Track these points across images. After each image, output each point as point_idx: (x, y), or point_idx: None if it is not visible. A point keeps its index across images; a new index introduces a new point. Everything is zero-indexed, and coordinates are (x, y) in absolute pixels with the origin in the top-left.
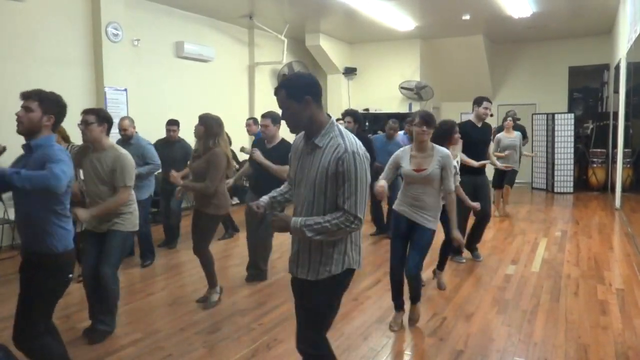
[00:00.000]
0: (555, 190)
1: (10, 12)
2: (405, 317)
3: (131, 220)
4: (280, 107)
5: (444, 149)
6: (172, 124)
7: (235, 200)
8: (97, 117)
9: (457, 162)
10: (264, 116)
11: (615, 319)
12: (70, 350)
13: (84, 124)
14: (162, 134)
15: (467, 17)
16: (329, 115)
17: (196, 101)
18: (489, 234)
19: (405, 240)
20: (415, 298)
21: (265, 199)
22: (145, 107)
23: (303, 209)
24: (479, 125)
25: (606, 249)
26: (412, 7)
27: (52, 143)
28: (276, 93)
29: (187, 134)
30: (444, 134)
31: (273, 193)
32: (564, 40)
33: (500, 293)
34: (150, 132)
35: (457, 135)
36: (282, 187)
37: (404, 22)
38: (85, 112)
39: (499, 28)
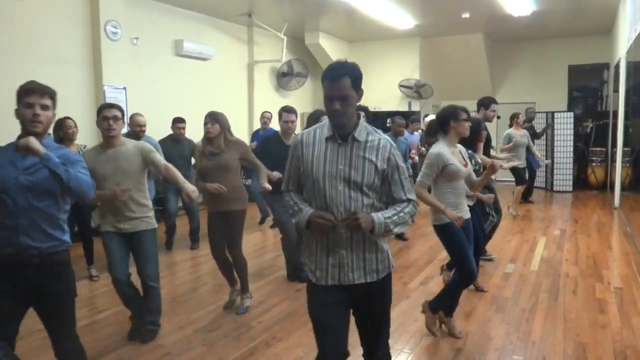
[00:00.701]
0: (555, 189)
1: (10, 10)
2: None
3: (152, 217)
4: (337, 96)
5: None
6: (181, 121)
7: None
8: (121, 112)
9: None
10: (288, 111)
11: (614, 318)
12: None
13: (114, 120)
14: (162, 132)
15: (466, 15)
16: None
17: (195, 99)
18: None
19: None
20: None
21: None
22: (145, 106)
23: (350, 204)
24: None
25: (605, 248)
26: (412, 6)
27: (57, 145)
28: (336, 79)
29: (188, 132)
30: (473, 132)
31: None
32: (564, 39)
33: (498, 291)
34: (150, 130)
35: (484, 132)
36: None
37: (404, 20)
38: (112, 107)
39: (499, 26)
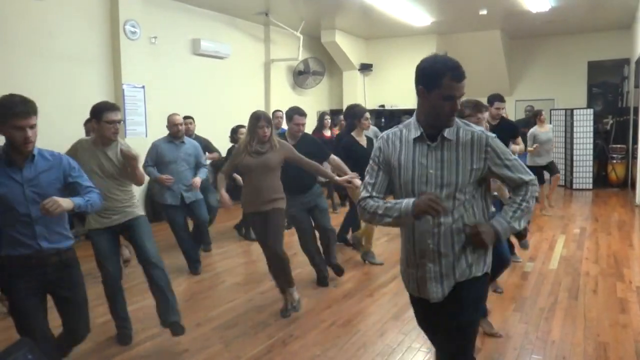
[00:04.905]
0: (574, 186)
1: (30, 10)
2: None
3: None
4: (460, 95)
5: None
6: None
7: None
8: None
9: None
10: (302, 114)
11: (635, 317)
12: (89, 345)
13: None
14: None
15: (484, 12)
16: None
17: (213, 98)
18: None
19: None
20: None
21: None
22: (163, 104)
23: (462, 213)
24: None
25: (626, 246)
26: (429, 2)
27: (48, 153)
28: (463, 78)
29: (204, 130)
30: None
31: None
32: (583, 34)
33: (517, 290)
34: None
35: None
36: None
37: (420, 17)
38: (118, 109)
39: (517, 23)
